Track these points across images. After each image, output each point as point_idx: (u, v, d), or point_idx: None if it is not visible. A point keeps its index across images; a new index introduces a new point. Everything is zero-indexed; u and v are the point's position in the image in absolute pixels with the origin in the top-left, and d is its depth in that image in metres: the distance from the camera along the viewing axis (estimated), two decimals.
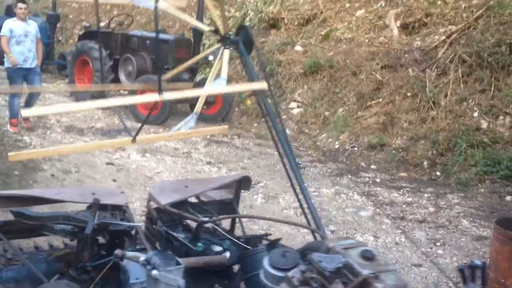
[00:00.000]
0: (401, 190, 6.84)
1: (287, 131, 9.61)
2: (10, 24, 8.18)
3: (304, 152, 8.72)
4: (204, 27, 5.73)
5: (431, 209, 6.20)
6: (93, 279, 2.58)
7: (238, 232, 3.44)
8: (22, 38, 8.12)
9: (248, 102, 11.12)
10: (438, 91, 8.36)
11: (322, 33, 11.53)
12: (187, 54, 10.57)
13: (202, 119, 9.29)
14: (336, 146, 8.72)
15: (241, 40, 3.91)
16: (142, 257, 2.20)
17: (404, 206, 6.28)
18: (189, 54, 10.61)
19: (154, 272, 2.09)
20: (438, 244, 5.23)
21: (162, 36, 10.96)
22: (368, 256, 2.01)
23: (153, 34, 11.20)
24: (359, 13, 11.47)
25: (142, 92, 7.48)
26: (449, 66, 8.55)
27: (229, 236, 2.95)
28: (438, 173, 7.36)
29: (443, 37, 9.18)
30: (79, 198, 3.03)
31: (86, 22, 16.12)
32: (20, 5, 8.25)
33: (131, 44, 11.06)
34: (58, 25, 15.80)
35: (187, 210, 3.09)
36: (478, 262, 2.08)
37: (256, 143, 9.11)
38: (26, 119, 8.47)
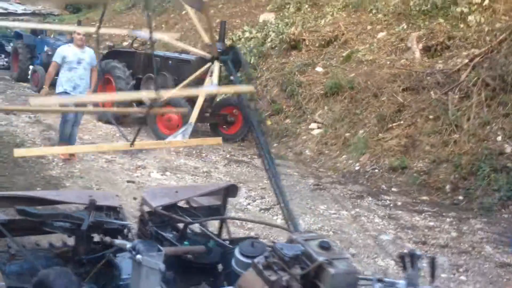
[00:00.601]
0: (423, 214, 6.74)
1: (307, 152, 9.60)
2: (64, 50, 7.78)
3: (324, 173, 8.67)
4: (202, 52, 6.32)
5: (454, 234, 6.09)
6: (88, 273, 2.80)
7: (225, 235, 3.49)
8: (74, 64, 7.62)
9: (268, 122, 11.14)
10: (460, 114, 8.29)
11: (343, 54, 11.55)
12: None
13: (223, 138, 9.30)
14: (357, 168, 8.65)
15: (230, 59, 4.31)
16: (128, 244, 2.52)
17: (426, 230, 6.18)
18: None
19: (138, 256, 2.37)
20: (461, 270, 5.12)
21: (184, 56, 11.10)
22: (325, 246, 2.24)
23: (175, 55, 11.35)
24: (381, 35, 11.49)
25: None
26: (472, 89, 8.49)
27: (214, 237, 3.15)
28: (460, 197, 7.25)
29: (466, 60, 9.13)
30: (77, 199, 3.33)
31: (110, 41, 16.43)
32: (78, 30, 8.09)
33: (153, 64, 11.20)
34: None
35: (177, 213, 3.38)
36: (418, 252, 2.25)
37: (275, 163, 9.09)
38: (72, 154, 7.87)
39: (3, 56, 18.84)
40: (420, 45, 10.41)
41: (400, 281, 2.16)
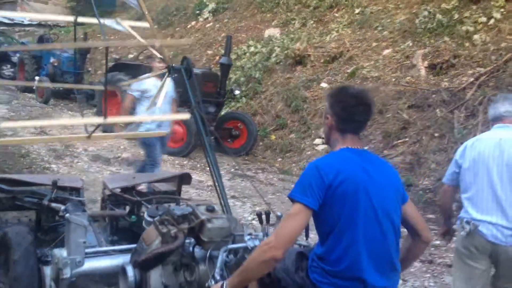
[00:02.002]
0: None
1: None
2: (144, 81, 6.67)
3: None
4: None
5: None
6: (50, 239, 3.61)
7: None
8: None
9: (272, 137, 11.15)
10: (466, 132, 8.28)
11: (348, 71, 11.59)
12: (213, 88, 10.70)
13: (227, 152, 9.33)
14: None
15: (184, 68, 4.92)
16: (62, 207, 3.40)
17: (432, 249, 6.13)
18: (216, 87, 10.75)
19: (67, 215, 3.17)
20: None
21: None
22: (209, 209, 3.01)
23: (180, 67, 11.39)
24: (386, 52, 11.54)
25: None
26: (477, 108, 8.49)
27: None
28: None
29: (472, 79, 9.16)
30: (46, 181, 4.05)
31: (115, 54, 16.51)
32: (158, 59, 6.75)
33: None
34: (88, 55, 16.21)
35: (133, 195, 4.02)
36: (279, 212, 2.96)
37: (280, 178, 9.08)
38: None
39: (9, 66, 18.91)
40: (426, 63, 10.45)
41: (259, 232, 2.88)
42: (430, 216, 7.39)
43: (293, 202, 2.31)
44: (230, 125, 10.83)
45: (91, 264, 3.16)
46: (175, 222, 2.90)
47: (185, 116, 7.00)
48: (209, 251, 2.87)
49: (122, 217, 3.92)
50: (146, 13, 4.71)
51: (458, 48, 10.17)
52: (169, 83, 6.30)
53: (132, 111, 6.78)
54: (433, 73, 10.17)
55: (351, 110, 2.40)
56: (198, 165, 9.34)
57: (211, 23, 18.35)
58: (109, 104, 11.48)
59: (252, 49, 14.56)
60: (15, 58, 18.22)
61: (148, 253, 2.83)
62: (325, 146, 10.04)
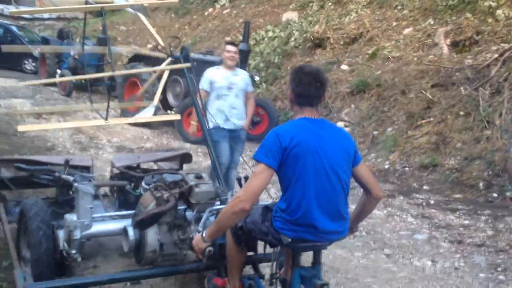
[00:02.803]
0: (457, 212, 6.63)
1: None
2: (212, 73, 6.12)
3: None
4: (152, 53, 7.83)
5: (490, 232, 5.97)
6: (65, 212, 3.86)
7: None
8: (224, 91, 6.00)
9: None
10: (492, 110, 8.13)
11: (369, 51, 11.44)
12: None
13: (249, 138, 9.30)
14: (386, 166, 8.56)
15: (182, 57, 5.38)
16: (71, 178, 3.80)
17: (461, 229, 6.07)
18: None
19: (75, 184, 3.67)
20: (499, 269, 5.00)
21: (209, 57, 11.12)
22: (198, 176, 3.53)
23: (199, 56, 11.38)
24: (407, 31, 11.35)
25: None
26: (503, 84, 8.32)
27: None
28: (495, 194, 7.09)
29: (496, 55, 8.96)
30: (59, 161, 4.47)
31: (134, 44, 16.57)
32: (229, 47, 6.15)
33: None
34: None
35: (137, 172, 4.56)
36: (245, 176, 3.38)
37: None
38: None
39: (30, 61, 19.17)
40: (448, 41, 10.26)
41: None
42: (458, 196, 7.31)
43: (258, 163, 2.74)
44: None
45: (98, 227, 3.67)
46: (168, 187, 3.47)
47: (176, 116, 8.06)
48: (195, 211, 3.43)
49: (128, 191, 4.35)
50: None
51: (481, 24, 9.95)
52: (243, 76, 6.15)
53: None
54: (456, 50, 9.98)
55: (305, 86, 2.83)
56: None
57: (228, 10, 18.26)
58: (131, 94, 11.60)
59: (270, 34, 14.46)
60: (36, 53, 18.43)
61: (145, 213, 3.36)
62: (348, 129, 9.95)
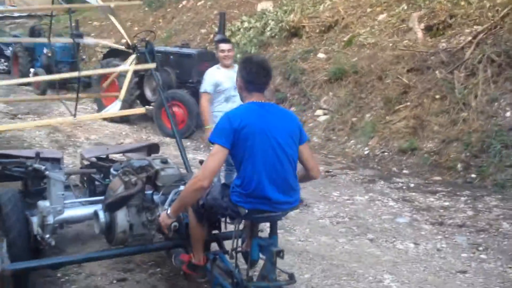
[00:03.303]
0: (437, 195, 6.73)
1: (315, 139, 9.57)
2: (214, 75, 5.64)
3: (333, 159, 8.66)
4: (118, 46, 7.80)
5: (470, 212, 6.08)
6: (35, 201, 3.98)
7: None
8: (232, 92, 5.43)
9: None
10: (467, 92, 8.24)
11: (345, 39, 11.48)
12: (210, 67, 10.62)
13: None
14: (366, 152, 8.64)
15: (147, 51, 5.52)
16: (43, 166, 4.00)
17: (441, 210, 6.17)
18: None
19: (47, 172, 3.86)
20: (480, 248, 5.11)
21: (185, 50, 11.05)
22: (163, 161, 3.84)
23: (176, 49, 11.30)
24: (381, 17, 11.41)
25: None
26: (477, 66, 8.42)
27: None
28: (473, 175, 7.21)
29: (469, 38, 9.05)
30: (30, 154, 4.60)
31: (108, 40, 16.33)
32: (222, 46, 5.76)
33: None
34: (81, 44, 16.03)
35: (107, 163, 4.77)
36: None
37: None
38: None
39: (2, 60, 18.79)
40: (422, 25, 10.32)
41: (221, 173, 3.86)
42: (437, 178, 7.41)
43: (213, 144, 3.05)
44: None
45: (69, 213, 3.87)
46: (135, 172, 3.73)
47: (141, 110, 7.94)
48: (161, 193, 3.70)
49: (97, 181, 4.59)
50: None
51: (454, 7, 10.02)
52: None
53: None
54: (430, 34, 10.04)
55: (254, 74, 3.16)
56: (201, 146, 9.33)
57: (202, 1, 18.14)
58: (108, 90, 11.45)
59: (246, 24, 14.40)
60: (8, 52, 18.10)
61: (113, 196, 3.59)
62: (327, 117, 10.02)
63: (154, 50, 5.64)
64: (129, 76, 6.86)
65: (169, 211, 3.30)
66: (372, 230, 5.54)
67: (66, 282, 3.99)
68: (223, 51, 5.66)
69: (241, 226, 3.28)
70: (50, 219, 3.71)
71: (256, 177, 3.02)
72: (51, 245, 3.71)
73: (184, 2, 18.97)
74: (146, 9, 20.70)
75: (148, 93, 11.06)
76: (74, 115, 5.28)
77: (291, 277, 3.16)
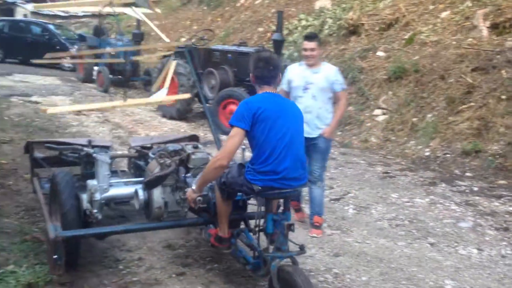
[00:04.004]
0: (502, 199, 6.46)
1: (373, 139, 9.41)
2: (291, 71, 5.27)
3: (392, 160, 8.48)
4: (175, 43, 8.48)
5: None
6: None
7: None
8: (300, 92, 5.12)
9: None
10: None
11: (406, 37, 11.21)
12: None
13: None
14: (427, 154, 8.40)
15: (187, 51, 6.44)
16: (91, 150, 4.53)
17: (507, 216, 5.91)
18: None
19: (94, 154, 4.35)
20: None
21: (242, 48, 11.11)
22: (194, 146, 4.30)
23: (233, 48, 11.39)
24: (444, 14, 11.07)
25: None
26: None
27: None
28: None
29: None
30: (83, 142, 5.14)
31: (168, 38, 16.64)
32: (305, 43, 5.19)
33: (213, 58, 11.28)
34: (142, 42, 16.47)
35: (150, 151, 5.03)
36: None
37: (341, 152, 8.96)
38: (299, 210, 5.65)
39: (68, 58, 19.55)
40: (487, 23, 9.94)
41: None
42: (502, 182, 7.12)
43: (232, 127, 3.40)
44: None
45: (114, 191, 4.32)
46: (169, 155, 4.20)
47: (186, 95, 9.58)
48: (192, 174, 4.11)
49: (142, 167, 4.86)
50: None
51: None
52: (327, 73, 5.11)
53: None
54: (496, 32, 9.66)
55: (261, 69, 3.53)
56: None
57: (260, 0, 18.19)
58: (170, 88, 11.70)
59: (303, 22, 14.33)
60: (73, 50, 18.81)
61: (150, 176, 4.06)
62: (386, 116, 9.82)
63: (192, 48, 6.47)
64: (172, 68, 8.17)
65: (194, 187, 3.73)
66: (433, 234, 5.38)
67: (127, 274, 4.10)
68: (305, 49, 5.14)
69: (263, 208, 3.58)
70: (97, 196, 4.16)
71: (270, 158, 3.38)
72: (98, 219, 4.13)
73: (242, 1, 19.09)
74: (205, 8, 20.98)
75: (207, 91, 11.20)
76: (124, 99, 6.02)
77: (301, 248, 3.49)
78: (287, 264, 3.41)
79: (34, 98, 12.45)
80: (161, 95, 9.11)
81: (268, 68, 3.52)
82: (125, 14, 15.52)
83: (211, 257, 4.48)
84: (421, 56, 10.20)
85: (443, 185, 7.07)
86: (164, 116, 11.53)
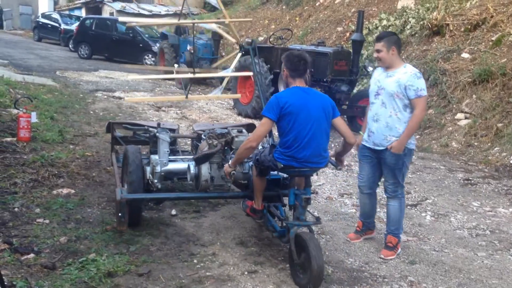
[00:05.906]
0: None
1: (453, 144, 9.05)
2: (374, 74, 4.80)
3: (474, 167, 8.10)
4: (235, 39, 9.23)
5: None
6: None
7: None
8: (372, 97, 4.64)
9: None
10: None
11: (493, 38, 10.68)
12: (345, 66, 10.48)
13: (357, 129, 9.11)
14: None
15: (251, 48, 6.78)
16: (156, 130, 5.26)
17: None
18: (348, 65, 10.51)
19: (157, 134, 5.13)
20: None
21: (320, 49, 11.01)
22: (239, 130, 4.95)
23: (311, 47, 11.31)
24: None
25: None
26: None
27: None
28: None
29: None
30: (153, 124, 5.82)
31: (247, 37, 16.87)
32: (375, 44, 4.67)
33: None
34: (221, 41, 16.78)
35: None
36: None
37: (419, 156, 8.68)
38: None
39: (150, 56, 20.29)
40: None
41: (266, 143, 4.99)
42: None
43: (263, 117, 3.99)
44: (363, 103, 10.50)
45: (172, 165, 5.10)
46: (217, 137, 4.83)
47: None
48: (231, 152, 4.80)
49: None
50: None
51: None
52: (401, 76, 4.42)
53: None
54: None
55: (295, 64, 4.06)
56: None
57: None
58: (243, 86, 11.87)
59: (384, 22, 14.02)
60: (155, 48, 19.48)
61: (200, 153, 4.74)
62: (468, 121, 9.41)
63: (256, 47, 7.01)
64: (232, 66, 9.64)
65: (230, 163, 4.42)
66: None
67: (201, 268, 4.17)
68: (376, 50, 4.64)
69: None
70: (158, 168, 4.94)
71: (292, 145, 3.97)
72: (158, 188, 4.87)
73: (321, 0, 18.95)
74: (284, 7, 21.02)
75: (282, 90, 11.25)
76: (186, 96, 6.70)
77: (317, 219, 4.23)
78: (304, 231, 4.06)
79: (117, 94, 13.01)
80: (217, 93, 10.05)
81: (301, 62, 4.05)
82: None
83: (283, 256, 4.47)
84: (509, 59, 9.67)
85: None
86: (239, 114, 11.68)
